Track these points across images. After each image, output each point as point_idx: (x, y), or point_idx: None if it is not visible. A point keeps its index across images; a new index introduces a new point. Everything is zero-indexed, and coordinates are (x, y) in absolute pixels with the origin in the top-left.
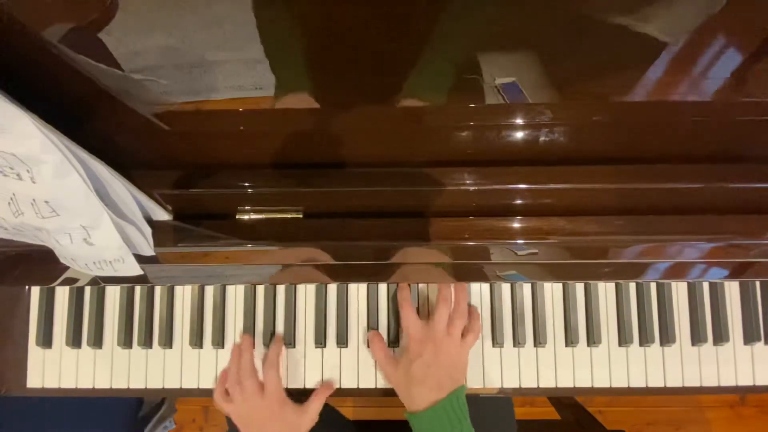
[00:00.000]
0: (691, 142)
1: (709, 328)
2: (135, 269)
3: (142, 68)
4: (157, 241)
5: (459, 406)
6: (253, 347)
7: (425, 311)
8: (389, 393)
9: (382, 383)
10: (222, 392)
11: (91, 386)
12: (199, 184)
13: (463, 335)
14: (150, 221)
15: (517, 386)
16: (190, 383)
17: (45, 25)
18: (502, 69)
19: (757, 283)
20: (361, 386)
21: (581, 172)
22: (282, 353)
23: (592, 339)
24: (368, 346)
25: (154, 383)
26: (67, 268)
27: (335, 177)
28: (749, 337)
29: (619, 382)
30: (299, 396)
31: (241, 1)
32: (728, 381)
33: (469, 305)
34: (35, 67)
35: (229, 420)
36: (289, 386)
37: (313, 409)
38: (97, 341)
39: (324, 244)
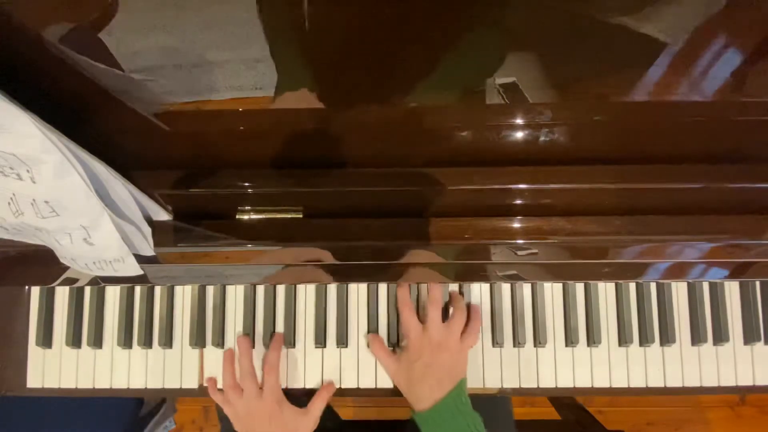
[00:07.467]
0: (691, 142)
1: (709, 328)
2: (135, 269)
3: (142, 68)
4: (157, 241)
5: (461, 402)
6: (252, 348)
7: (425, 313)
8: (389, 393)
9: (382, 383)
10: (219, 394)
11: (91, 386)
12: (199, 184)
13: (462, 336)
14: (150, 221)
15: (517, 386)
16: (190, 383)
17: (45, 25)
18: (502, 69)
19: (757, 283)
20: (361, 386)
21: (581, 172)
22: (282, 354)
23: (592, 339)
24: (368, 347)
25: (154, 383)
26: (67, 268)
27: (335, 177)
28: (749, 337)
29: (619, 382)
30: (300, 397)
31: (242, 1)
32: (728, 381)
33: (470, 304)
34: (35, 67)
35: (222, 421)
36: (289, 386)
37: (315, 409)
38: (97, 341)
39: (324, 244)
